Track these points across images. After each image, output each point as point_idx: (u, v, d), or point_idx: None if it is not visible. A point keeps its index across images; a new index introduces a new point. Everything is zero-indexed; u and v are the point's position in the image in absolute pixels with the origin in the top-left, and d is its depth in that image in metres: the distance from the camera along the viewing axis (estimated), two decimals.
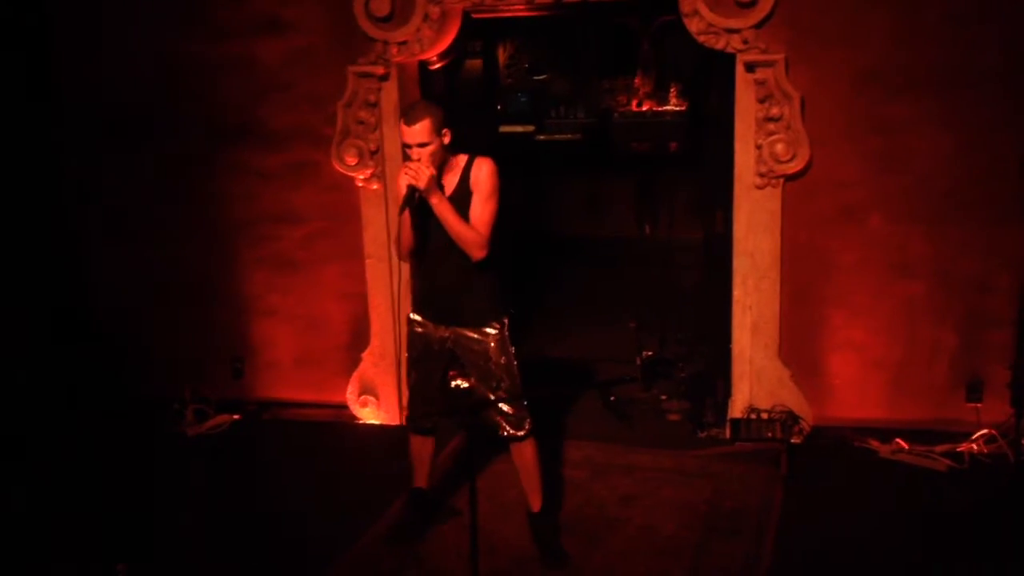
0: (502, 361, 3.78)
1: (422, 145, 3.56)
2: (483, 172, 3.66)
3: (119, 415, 5.48)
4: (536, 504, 3.96)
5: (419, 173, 3.52)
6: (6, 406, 5.08)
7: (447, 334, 3.84)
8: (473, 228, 3.62)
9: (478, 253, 3.63)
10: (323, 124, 5.21)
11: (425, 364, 3.92)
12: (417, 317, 3.91)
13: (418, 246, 3.76)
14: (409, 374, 4.00)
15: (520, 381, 3.83)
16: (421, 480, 4.15)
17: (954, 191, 4.60)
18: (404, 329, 3.99)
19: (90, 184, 5.68)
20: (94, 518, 4.38)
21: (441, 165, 3.66)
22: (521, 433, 3.84)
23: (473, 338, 3.79)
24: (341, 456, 5.04)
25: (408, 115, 3.61)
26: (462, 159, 3.72)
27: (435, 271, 3.79)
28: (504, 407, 3.79)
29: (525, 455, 3.90)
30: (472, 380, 3.89)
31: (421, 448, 4.11)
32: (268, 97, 5.30)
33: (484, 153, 3.75)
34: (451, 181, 3.71)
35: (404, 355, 4.04)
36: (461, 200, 3.66)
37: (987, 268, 4.63)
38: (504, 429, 3.85)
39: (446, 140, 3.63)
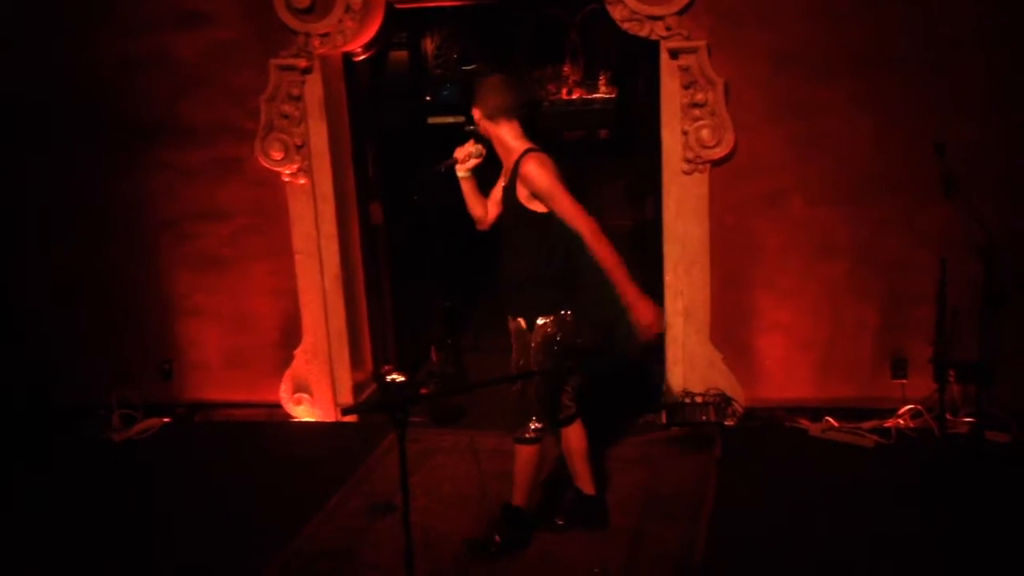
0: (521, 363, 3.73)
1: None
2: (529, 174, 3.51)
3: (42, 422, 5.34)
4: (514, 498, 3.86)
5: (464, 146, 3.72)
6: None
7: (508, 316, 3.83)
8: (578, 231, 3.47)
9: (479, 227, 3.84)
10: (246, 119, 5.12)
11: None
12: None
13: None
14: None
15: (534, 391, 3.68)
16: (577, 479, 3.99)
17: (874, 172, 4.69)
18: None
19: (8, 184, 5.48)
20: (9, 529, 4.25)
21: (490, 145, 3.69)
22: (516, 435, 3.75)
23: (510, 323, 3.79)
24: (276, 455, 4.96)
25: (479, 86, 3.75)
26: (517, 150, 3.61)
27: (501, 254, 3.76)
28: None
29: (519, 457, 3.79)
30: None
31: (566, 443, 3.93)
32: (188, 92, 5.18)
33: (536, 149, 3.60)
34: (506, 170, 3.68)
35: None
36: (510, 191, 3.62)
37: (907, 247, 4.73)
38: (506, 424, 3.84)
39: (500, 128, 3.62)
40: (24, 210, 5.53)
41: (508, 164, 3.66)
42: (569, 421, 3.89)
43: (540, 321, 3.64)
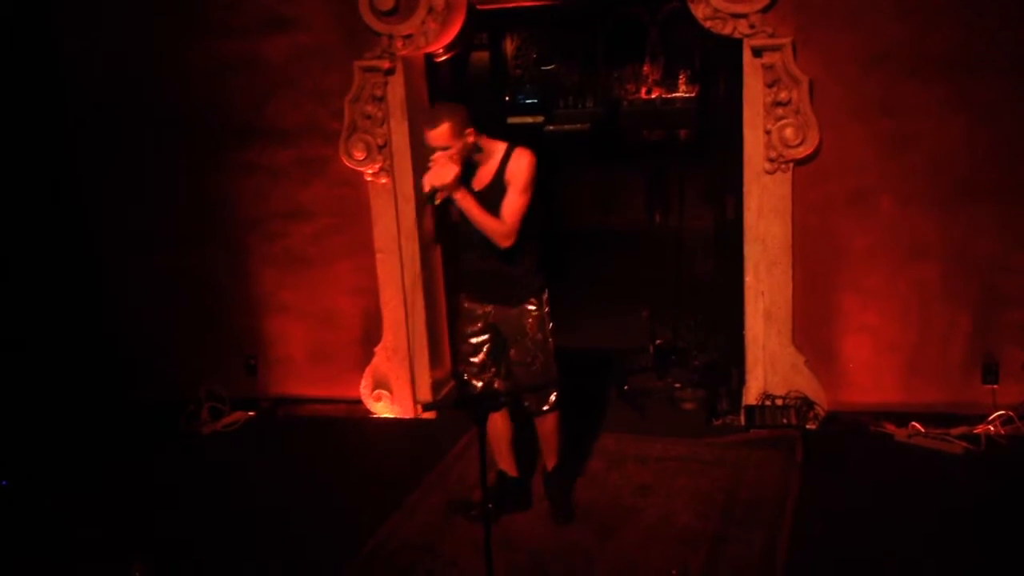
0: (539, 338, 3.87)
1: (445, 148, 3.60)
2: (521, 164, 3.66)
3: (134, 416, 5.51)
4: (550, 463, 4.12)
5: (441, 173, 3.58)
6: (22, 408, 5.10)
7: (489, 309, 3.93)
8: (500, 219, 3.64)
9: (504, 243, 3.67)
10: (331, 120, 5.22)
11: (475, 337, 4.00)
12: (465, 295, 4.01)
13: (461, 229, 3.84)
14: (460, 347, 4.09)
15: (553, 359, 3.93)
16: (502, 462, 4.20)
17: (966, 172, 4.56)
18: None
19: (99, 184, 5.70)
20: (111, 518, 4.41)
21: (471, 157, 3.69)
22: (545, 408, 3.97)
23: (513, 313, 3.87)
24: (356, 451, 5.05)
25: (429, 120, 3.63)
26: (500, 148, 3.72)
27: (476, 253, 3.84)
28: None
29: (546, 426, 4.04)
30: (513, 353, 3.94)
31: (494, 427, 4.07)
32: (275, 94, 5.31)
33: (524, 144, 3.74)
34: (487, 171, 3.72)
35: (462, 330, 4.08)
36: (495, 190, 3.68)
37: (1001, 248, 4.59)
38: (528, 403, 3.97)
39: (469, 139, 3.64)
40: (116, 206, 5.72)
41: (492, 163, 3.71)
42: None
43: (531, 305, 3.85)
